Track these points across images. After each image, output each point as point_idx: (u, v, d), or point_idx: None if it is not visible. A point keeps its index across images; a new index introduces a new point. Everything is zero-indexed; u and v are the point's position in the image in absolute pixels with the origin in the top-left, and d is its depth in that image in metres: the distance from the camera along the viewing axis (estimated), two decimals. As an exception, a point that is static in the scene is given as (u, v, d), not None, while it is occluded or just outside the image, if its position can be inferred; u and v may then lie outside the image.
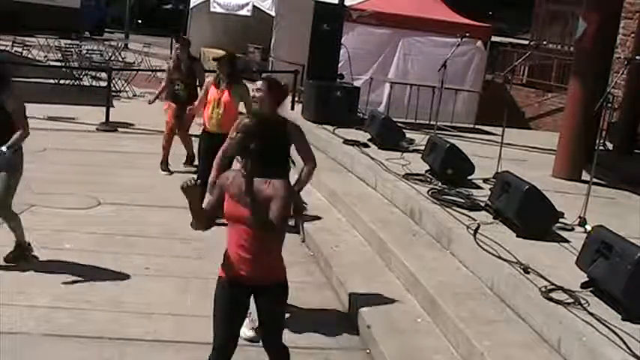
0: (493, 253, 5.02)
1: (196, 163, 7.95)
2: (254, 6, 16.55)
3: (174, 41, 9.71)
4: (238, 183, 3.30)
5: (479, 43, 13.33)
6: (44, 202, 6.75)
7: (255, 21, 17.28)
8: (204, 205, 3.51)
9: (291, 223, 7.35)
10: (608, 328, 3.87)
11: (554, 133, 10.91)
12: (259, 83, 4.77)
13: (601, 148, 9.96)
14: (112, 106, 11.39)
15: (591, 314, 4.04)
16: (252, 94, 4.92)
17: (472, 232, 5.47)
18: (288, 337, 4.58)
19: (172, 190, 7.72)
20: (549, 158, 8.60)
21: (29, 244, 5.48)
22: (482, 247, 5.15)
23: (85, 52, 16.46)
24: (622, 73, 7.24)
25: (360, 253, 6.00)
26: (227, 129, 5.73)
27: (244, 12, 17.17)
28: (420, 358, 4.24)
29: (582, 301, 4.21)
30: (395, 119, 9.81)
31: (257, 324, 4.09)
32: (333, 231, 6.52)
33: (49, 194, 6.92)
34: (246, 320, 4.14)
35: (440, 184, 7.03)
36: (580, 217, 5.88)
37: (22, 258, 5.39)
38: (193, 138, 8.48)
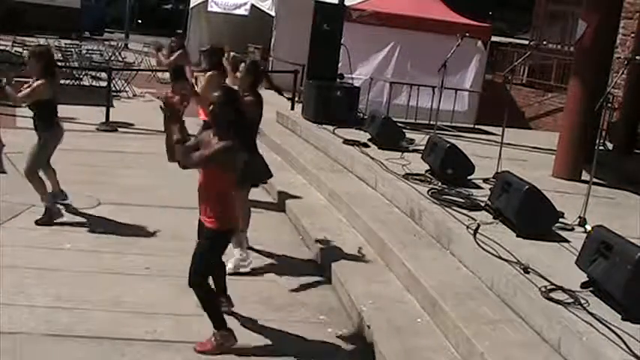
0: (493, 253, 5.02)
1: None
2: (253, 6, 16.55)
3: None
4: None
5: (479, 43, 13.35)
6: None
7: (255, 21, 17.29)
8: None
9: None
10: (608, 328, 3.87)
11: (554, 133, 10.91)
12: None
13: (601, 148, 9.96)
14: (112, 106, 11.39)
15: (591, 314, 4.04)
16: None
17: (472, 232, 5.47)
18: (288, 337, 4.59)
19: (173, 190, 7.76)
20: (549, 158, 8.60)
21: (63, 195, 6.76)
22: (482, 247, 5.15)
23: (85, 52, 16.45)
24: (622, 73, 7.25)
25: (360, 253, 5.99)
26: None
27: (242, 11, 17.16)
28: (420, 358, 4.24)
29: (582, 301, 4.21)
30: (395, 119, 9.81)
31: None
32: (333, 231, 6.52)
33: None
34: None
35: (440, 184, 7.03)
36: (580, 217, 5.88)
37: (50, 222, 6.31)
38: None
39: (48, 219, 6.31)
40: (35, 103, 6.30)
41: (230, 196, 4.38)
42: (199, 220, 4.47)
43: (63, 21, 25.44)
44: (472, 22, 13.58)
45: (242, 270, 5.57)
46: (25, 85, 6.30)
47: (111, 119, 10.92)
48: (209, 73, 7.28)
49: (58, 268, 5.33)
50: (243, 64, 5.86)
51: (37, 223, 6.24)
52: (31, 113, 6.46)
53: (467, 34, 9.37)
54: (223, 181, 4.31)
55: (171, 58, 10.34)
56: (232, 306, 4.82)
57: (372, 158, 8.19)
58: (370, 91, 12.33)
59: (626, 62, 6.79)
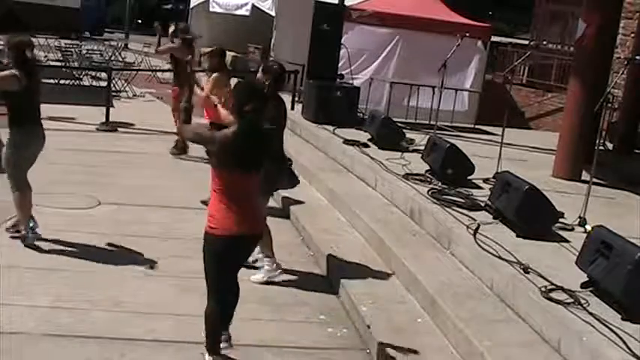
0: (493, 253, 5.02)
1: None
2: (254, 6, 16.56)
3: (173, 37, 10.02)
4: None
5: (479, 43, 13.33)
6: (44, 202, 6.74)
7: (255, 21, 17.28)
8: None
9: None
10: (608, 328, 3.87)
11: (554, 133, 10.92)
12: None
13: (601, 148, 9.96)
14: (112, 106, 11.39)
15: (591, 314, 4.04)
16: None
17: (472, 232, 5.47)
18: (288, 337, 4.59)
19: (172, 190, 7.75)
20: (549, 158, 8.61)
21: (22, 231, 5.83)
22: (482, 247, 5.15)
23: (85, 52, 16.47)
24: (622, 73, 7.23)
25: (360, 253, 6.00)
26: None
27: (243, 11, 17.17)
28: (420, 359, 4.24)
29: (582, 301, 4.21)
30: (395, 119, 9.82)
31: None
32: (333, 231, 6.52)
33: (49, 194, 6.90)
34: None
35: (440, 184, 7.04)
36: (580, 217, 5.88)
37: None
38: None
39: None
40: (4, 95, 5.60)
41: None
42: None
43: (63, 21, 25.45)
44: (472, 22, 13.56)
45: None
46: None
47: (111, 119, 10.91)
48: (213, 75, 7.30)
49: (58, 268, 5.33)
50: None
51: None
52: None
53: (467, 34, 9.37)
54: None
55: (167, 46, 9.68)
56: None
57: (372, 158, 8.19)
58: (370, 91, 12.31)
59: (626, 62, 6.79)
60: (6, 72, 5.56)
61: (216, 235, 3.89)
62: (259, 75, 5.41)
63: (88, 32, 27.99)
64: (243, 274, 5.46)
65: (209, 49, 7.96)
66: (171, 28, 9.93)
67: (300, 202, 7.44)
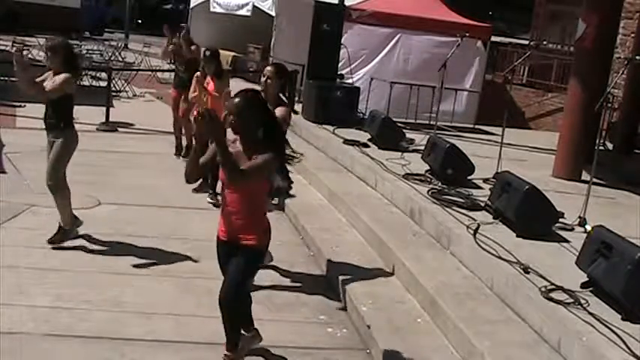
0: (493, 253, 5.02)
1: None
2: (254, 6, 16.57)
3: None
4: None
5: (479, 43, 13.33)
6: (44, 202, 6.73)
7: (255, 21, 17.28)
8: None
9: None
10: (608, 328, 3.88)
11: (554, 133, 10.92)
12: (268, 69, 5.22)
13: (601, 148, 9.96)
14: (112, 106, 11.38)
15: (591, 314, 4.05)
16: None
17: (472, 232, 5.47)
18: (288, 337, 4.59)
19: (172, 190, 7.75)
20: (549, 158, 8.61)
21: (76, 220, 6.01)
22: (482, 247, 5.15)
23: (85, 52, 16.45)
24: (622, 73, 7.23)
25: (360, 253, 6.00)
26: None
27: (244, 12, 17.19)
28: (420, 358, 4.24)
29: (582, 301, 4.21)
30: (395, 119, 9.81)
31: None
32: (333, 231, 6.52)
33: (49, 194, 6.90)
34: None
35: (440, 184, 7.04)
36: (580, 217, 5.89)
37: (64, 239, 5.85)
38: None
39: (62, 237, 5.86)
40: (59, 98, 5.81)
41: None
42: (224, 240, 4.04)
43: (63, 21, 25.43)
44: (472, 22, 13.56)
45: None
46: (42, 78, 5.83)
47: (111, 119, 10.91)
48: (227, 90, 7.49)
49: (58, 268, 5.34)
50: (268, 68, 5.29)
51: (49, 241, 5.80)
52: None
53: (467, 34, 9.37)
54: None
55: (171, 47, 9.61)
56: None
57: (372, 158, 8.20)
58: (370, 91, 12.31)
59: (626, 62, 6.79)
60: (64, 75, 5.73)
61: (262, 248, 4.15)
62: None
63: (88, 32, 27.98)
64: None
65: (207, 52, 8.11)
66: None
67: (297, 197, 7.46)
